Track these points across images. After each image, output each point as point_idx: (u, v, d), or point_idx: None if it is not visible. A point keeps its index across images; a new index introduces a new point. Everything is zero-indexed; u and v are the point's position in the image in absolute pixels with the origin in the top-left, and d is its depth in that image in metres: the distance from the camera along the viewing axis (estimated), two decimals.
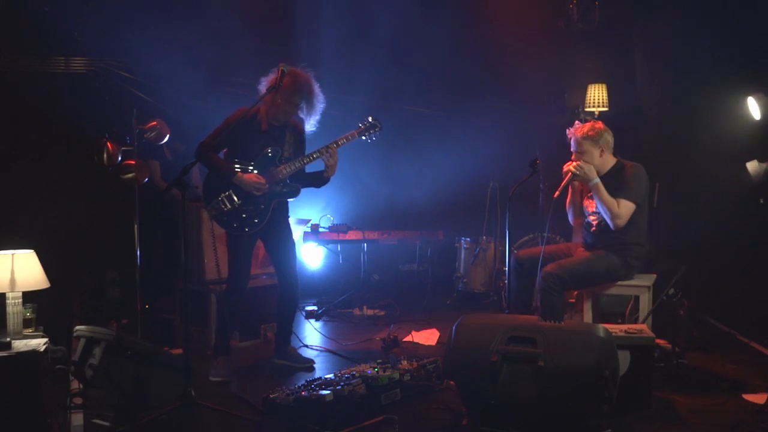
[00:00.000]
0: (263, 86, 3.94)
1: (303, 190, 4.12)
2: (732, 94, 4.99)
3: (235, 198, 3.93)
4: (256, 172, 3.96)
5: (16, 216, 4.81)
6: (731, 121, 5.02)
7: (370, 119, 4.17)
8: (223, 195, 3.92)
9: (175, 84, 5.52)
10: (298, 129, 4.15)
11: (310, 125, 4.10)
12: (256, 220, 3.98)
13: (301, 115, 4.06)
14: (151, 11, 5.53)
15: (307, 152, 4.12)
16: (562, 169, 4.12)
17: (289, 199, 4.14)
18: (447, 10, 6.59)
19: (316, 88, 4.02)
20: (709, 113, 5.27)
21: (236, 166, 3.95)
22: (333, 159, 4.01)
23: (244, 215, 3.96)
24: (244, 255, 4.05)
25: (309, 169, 4.17)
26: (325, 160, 4.02)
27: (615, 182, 4.01)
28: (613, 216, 3.93)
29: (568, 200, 4.33)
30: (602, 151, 4.06)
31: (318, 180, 4.16)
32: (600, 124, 4.10)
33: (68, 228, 5.01)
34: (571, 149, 4.12)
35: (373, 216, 6.64)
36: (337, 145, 4.03)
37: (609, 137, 4.08)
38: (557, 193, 4.08)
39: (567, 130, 4.16)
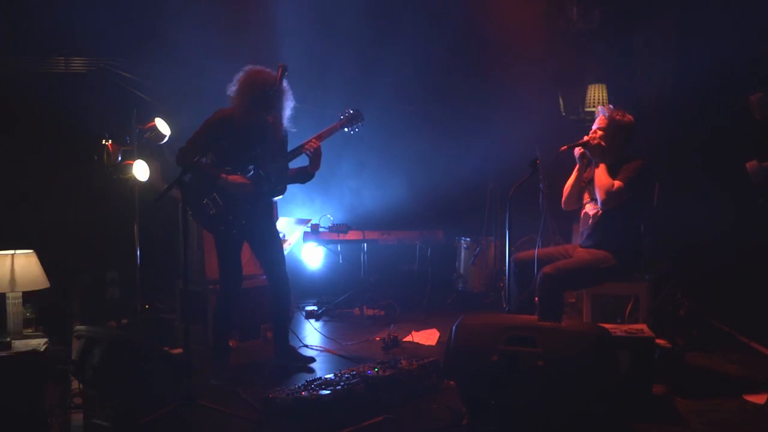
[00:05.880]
0: (236, 87, 3.88)
1: (303, 191, 4.11)
2: (732, 94, 4.99)
3: (220, 201, 3.89)
4: (239, 174, 3.91)
5: (16, 216, 4.81)
6: (731, 121, 5.02)
7: (351, 110, 4.13)
8: (207, 198, 3.88)
9: (175, 83, 5.52)
10: (278, 127, 4.07)
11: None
12: (243, 221, 3.94)
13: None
14: (150, 11, 5.54)
15: (289, 149, 4.07)
16: (563, 166, 4.13)
17: (275, 198, 4.10)
18: (449, 9, 6.59)
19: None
20: (709, 113, 5.26)
21: (219, 168, 3.89)
22: (316, 153, 3.99)
23: (230, 217, 3.91)
24: (234, 256, 4.02)
25: (293, 165, 4.12)
26: (309, 155, 4.00)
27: (619, 172, 4.02)
28: (605, 192, 3.93)
29: (567, 185, 4.30)
30: (622, 140, 4.08)
31: (303, 176, 4.12)
32: (630, 117, 4.14)
33: (68, 228, 5.02)
34: (594, 125, 4.14)
35: (373, 216, 6.63)
36: (320, 139, 4.00)
37: (632, 131, 4.11)
38: (565, 147, 4.08)
39: (599, 107, 4.19)
